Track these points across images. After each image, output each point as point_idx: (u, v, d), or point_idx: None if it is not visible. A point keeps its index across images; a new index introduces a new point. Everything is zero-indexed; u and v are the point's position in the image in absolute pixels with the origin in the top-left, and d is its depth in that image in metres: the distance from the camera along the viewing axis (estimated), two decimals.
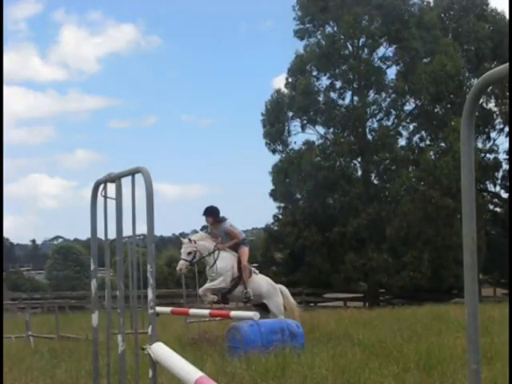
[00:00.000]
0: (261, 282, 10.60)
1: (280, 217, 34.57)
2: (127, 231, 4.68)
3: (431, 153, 32.71)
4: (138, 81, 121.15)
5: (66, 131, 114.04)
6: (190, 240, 10.03)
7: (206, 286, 10.19)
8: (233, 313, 9.65)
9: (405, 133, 34.02)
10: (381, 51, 33.55)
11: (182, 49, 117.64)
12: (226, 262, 10.14)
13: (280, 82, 75.82)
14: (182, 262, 9.90)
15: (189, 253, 9.96)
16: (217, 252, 10.13)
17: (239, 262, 10.24)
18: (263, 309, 10.67)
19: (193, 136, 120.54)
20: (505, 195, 35.06)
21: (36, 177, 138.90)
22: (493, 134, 35.18)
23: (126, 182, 4.57)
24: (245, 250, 10.39)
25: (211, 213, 10.37)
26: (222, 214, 10.45)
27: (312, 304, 31.75)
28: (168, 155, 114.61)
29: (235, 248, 10.41)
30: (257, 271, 10.78)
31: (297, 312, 11.16)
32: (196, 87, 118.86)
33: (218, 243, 10.28)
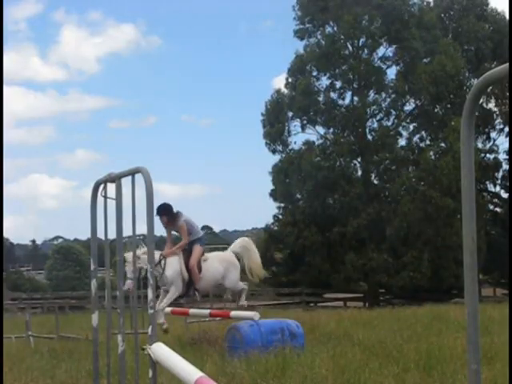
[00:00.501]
0: (212, 268, 10.11)
1: (280, 217, 34.55)
2: (127, 231, 4.69)
3: (431, 153, 32.69)
4: (138, 81, 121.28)
5: (66, 131, 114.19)
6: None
7: (164, 303, 9.77)
8: (233, 313, 9.66)
9: (405, 133, 34.03)
10: (381, 51, 33.57)
11: (182, 49, 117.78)
12: (173, 268, 9.78)
13: (280, 82, 76.06)
14: (128, 281, 9.37)
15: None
16: (163, 261, 9.77)
17: (187, 263, 9.82)
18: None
19: (193, 136, 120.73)
20: (505, 195, 35.07)
21: (36, 177, 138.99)
22: (493, 134, 35.19)
23: (126, 182, 4.58)
24: (197, 249, 9.91)
25: (164, 211, 9.85)
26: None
27: (312, 304, 31.80)
28: (168, 155, 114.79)
29: (190, 246, 9.91)
30: (207, 257, 10.13)
31: (256, 270, 10.66)
32: (196, 87, 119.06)
33: (163, 252, 9.91)
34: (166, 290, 9.89)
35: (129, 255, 8.86)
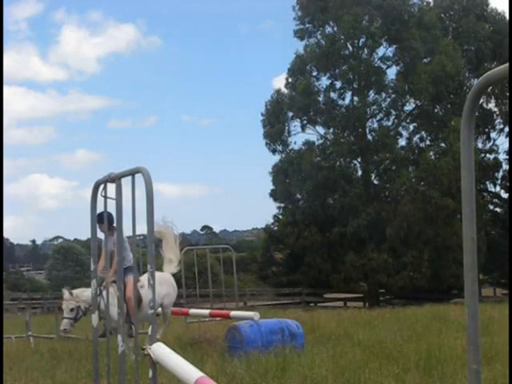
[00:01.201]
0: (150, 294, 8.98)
1: (280, 217, 34.59)
2: (127, 231, 4.69)
3: (431, 153, 32.71)
4: (138, 81, 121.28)
5: (66, 131, 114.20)
6: (70, 293, 9.01)
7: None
8: (233, 313, 9.68)
9: (405, 133, 34.08)
10: (381, 51, 33.60)
11: (182, 49, 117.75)
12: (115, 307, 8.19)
13: (280, 82, 76.11)
14: (65, 321, 8.84)
15: (71, 309, 8.92)
16: (102, 293, 8.02)
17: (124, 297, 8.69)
18: None
19: (193, 136, 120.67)
20: (505, 195, 35.09)
21: (36, 177, 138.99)
22: (493, 134, 35.22)
23: (126, 182, 4.58)
24: (129, 280, 8.32)
25: (102, 219, 7.55)
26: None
27: (312, 304, 31.79)
28: (168, 155, 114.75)
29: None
30: (143, 283, 8.19)
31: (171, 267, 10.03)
32: (196, 87, 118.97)
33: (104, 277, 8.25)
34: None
35: (65, 294, 8.89)
